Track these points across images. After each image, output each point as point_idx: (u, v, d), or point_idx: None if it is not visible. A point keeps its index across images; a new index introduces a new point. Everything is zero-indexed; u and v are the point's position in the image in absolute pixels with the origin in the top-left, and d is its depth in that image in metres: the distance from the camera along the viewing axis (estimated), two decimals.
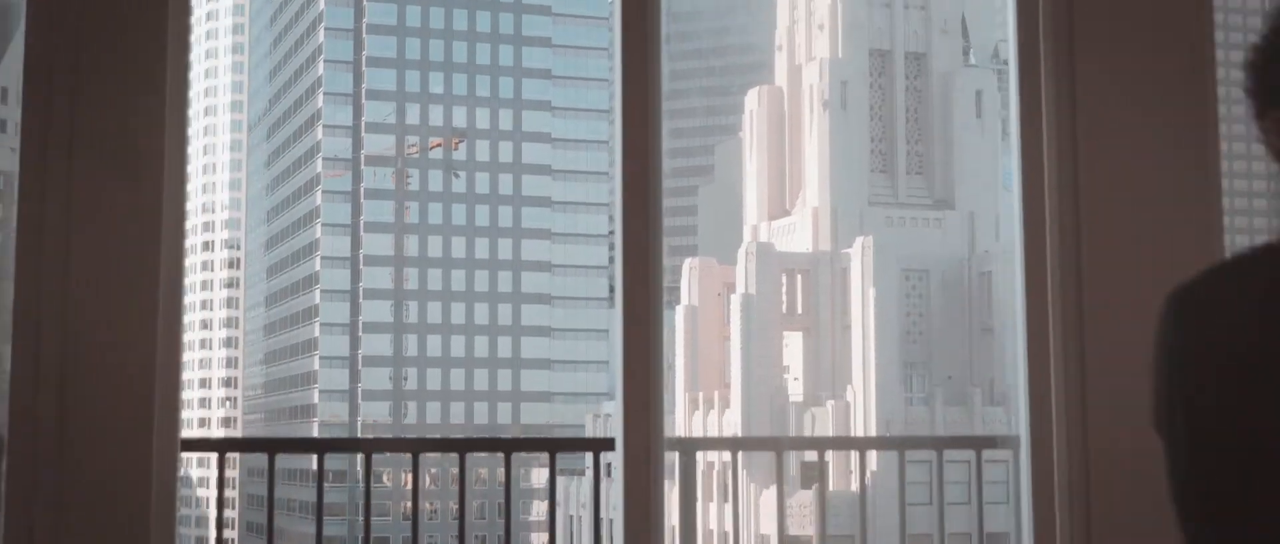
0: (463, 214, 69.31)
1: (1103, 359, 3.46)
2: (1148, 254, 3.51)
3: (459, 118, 70.11)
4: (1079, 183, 3.51)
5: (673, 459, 4.86)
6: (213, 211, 77.57)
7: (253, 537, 63.49)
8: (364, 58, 69.88)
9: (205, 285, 76.61)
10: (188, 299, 65.74)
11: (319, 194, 68.89)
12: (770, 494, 43.98)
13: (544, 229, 69.46)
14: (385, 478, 57.13)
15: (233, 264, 76.36)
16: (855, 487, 39.61)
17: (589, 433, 61.97)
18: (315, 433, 66.27)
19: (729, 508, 35.79)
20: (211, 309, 76.42)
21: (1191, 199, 3.51)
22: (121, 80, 3.31)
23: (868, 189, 53.05)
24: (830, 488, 32.43)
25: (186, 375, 77.24)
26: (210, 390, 75.44)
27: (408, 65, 70.30)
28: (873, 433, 48.45)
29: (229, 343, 75.55)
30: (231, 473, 59.35)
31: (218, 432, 74.06)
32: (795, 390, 50.85)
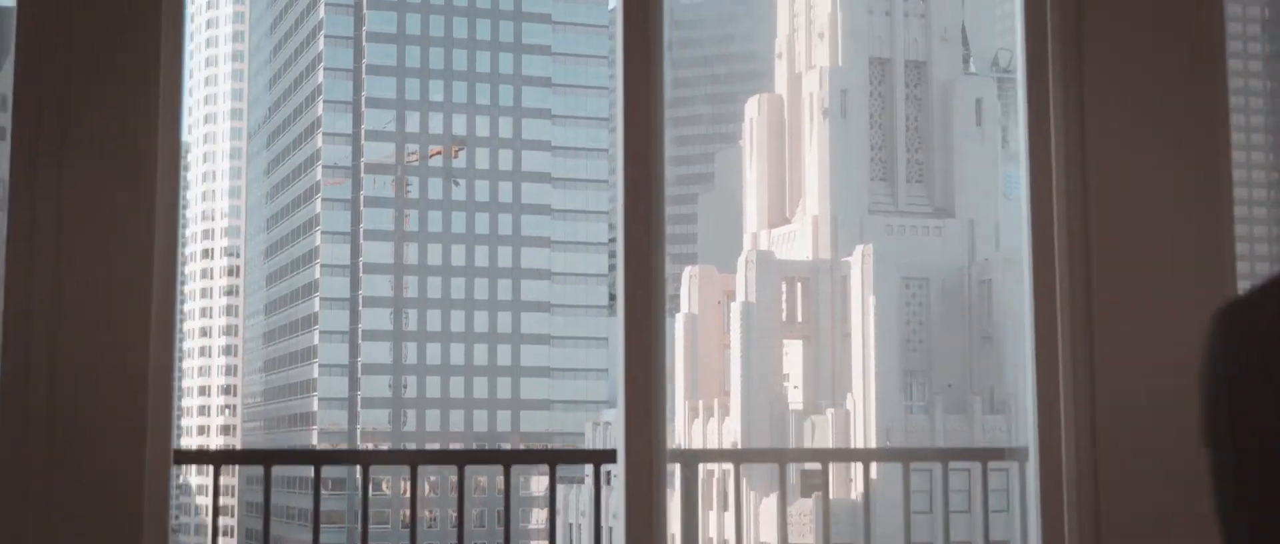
0: (462, 222, 69.30)
1: (1112, 368, 3.41)
2: (1157, 261, 3.46)
3: (459, 125, 70.13)
4: (1088, 188, 3.47)
5: (674, 469, 4.80)
6: (212, 219, 77.54)
7: None
8: (364, 65, 69.89)
9: (204, 293, 76.57)
10: (187, 306, 66.01)
11: (319, 202, 68.88)
12: (770, 502, 43.93)
13: (543, 237, 69.45)
14: (384, 486, 57.09)
15: (232, 271, 76.32)
16: (855, 495, 39.60)
17: (589, 440, 62.02)
18: (315, 440, 66.25)
19: (729, 516, 35.73)
20: (211, 317, 76.36)
21: (1202, 204, 3.47)
22: (114, 80, 3.26)
23: (868, 197, 53.06)
24: (831, 496, 32.36)
25: (186, 383, 77.17)
26: (209, 398, 75.37)
27: (407, 73, 70.32)
28: (873, 441, 48.43)
29: (228, 350, 75.50)
30: (230, 480, 59.30)
31: (217, 439, 74.00)
32: (795, 398, 50.82)
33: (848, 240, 51.78)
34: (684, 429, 50.44)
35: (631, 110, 3.57)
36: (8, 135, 3.28)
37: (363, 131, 69.58)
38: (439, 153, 69.55)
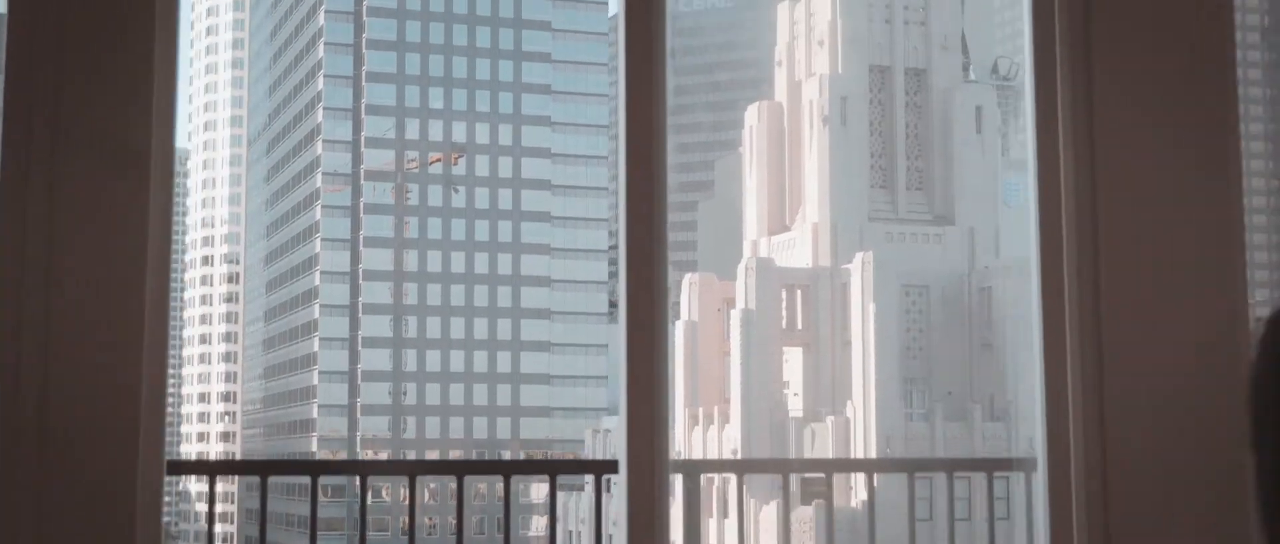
0: (462, 229, 69.29)
1: (1121, 376, 3.37)
2: (1166, 267, 3.43)
3: (459, 133, 70.13)
4: (1096, 194, 3.43)
5: (675, 477, 4.76)
6: (212, 226, 77.54)
7: None
8: (364, 73, 69.90)
9: (204, 300, 76.54)
10: (187, 313, 65.94)
11: (319, 209, 68.87)
12: (771, 510, 43.87)
13: (543, 244, 69.44)
14: (384, 493, 57.07)
15: (232, 279, 76.30)
16: (855, 503, 39.56)
17: (588, 448, 61.95)
18: (314, 447, 66.20)
19: (729, 523, 35.68)
20: (211, 324, 76.33)
21: (1210, 210, 3.43)
22: (108, 80, 3.22)
23: (868, 205, 53.03)
24: (830, 502, 32.37)
25: (186, 390, 77.15)
26: (209, 405, 75.33)
27: (408, 80, 70.34)
28: (873, 448, 48.36)
29: (228, 357, 75.47)
30: (229, 487, 59.25)
31: (217, 445, 73.94)
32: (795, 406, 50.77)
33: (848, 248, 51.75)
34: (684, 436, 50.40)
35: (633, 115, 3.53)
36: None
37: (363, 139, 69.57)
38: (439, 160, 69.55)
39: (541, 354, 68.48)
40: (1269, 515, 2.25)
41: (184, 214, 79.44)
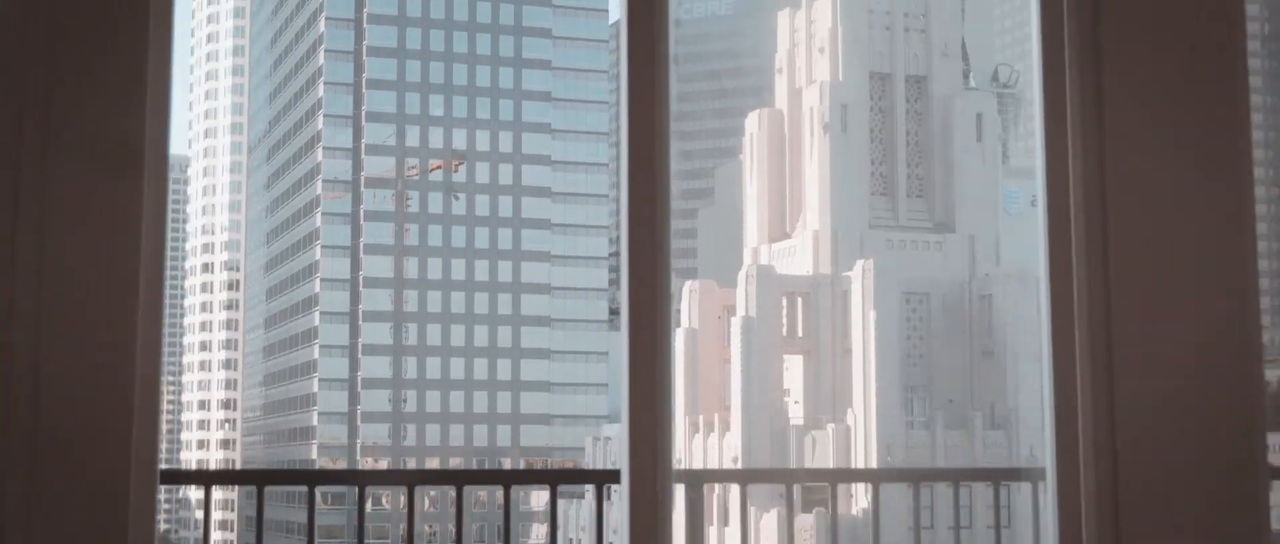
0: (462, 236, 69.31)
1: (1132, 383, 3.35)
2: (1177, 275, 3.40)
3: (459, 140, 70.18)
4: (1106, 201, 3.40)
5: (677, 487, 4.73)
6: (212, 233, 77.57)
7: None
8: (364, 80, 69.95)
9: (205, 307, 76.55)
10: (187, 320, 65.80)
11: (319, 216, 68.89)
12: (771, 518, 43.85)
13: (543, 251, 69.46)
14: (384, 500, 57.04)
15: (232, 286, 76.33)
16: (856, 511, 39.51)
17: (589, 456, 61.95)
18: (314, 455, 66.15)
19: (730, 532, 35.62)
20: (211, 331, 76.34)
21: (1222, 217, 3.40)
22: (101, 80, 3.20)
23: (868, 212, 53.03)
24: (830, 511, 32.29)
25: (186, 397, 77.14)
26: (209, 412, 75.32)
27: (408, 88, 70.39)
28: (874, 456, 48.35)
29: (228, 364, 75.47)
30: (229, 495, 59.24)
31: (217, 453, 73.92)
32: (796, 413, 50.74)
33: (848, 255, 51.73)
34: (685, 444, 50.36)
35: (636, 118, 3.50)
36: None
37: (363, 146, 69.61)
38: (439, 167, 69.58)
39: (542, 361, 68.47)
40: None
41: (184, 221, 79.45)
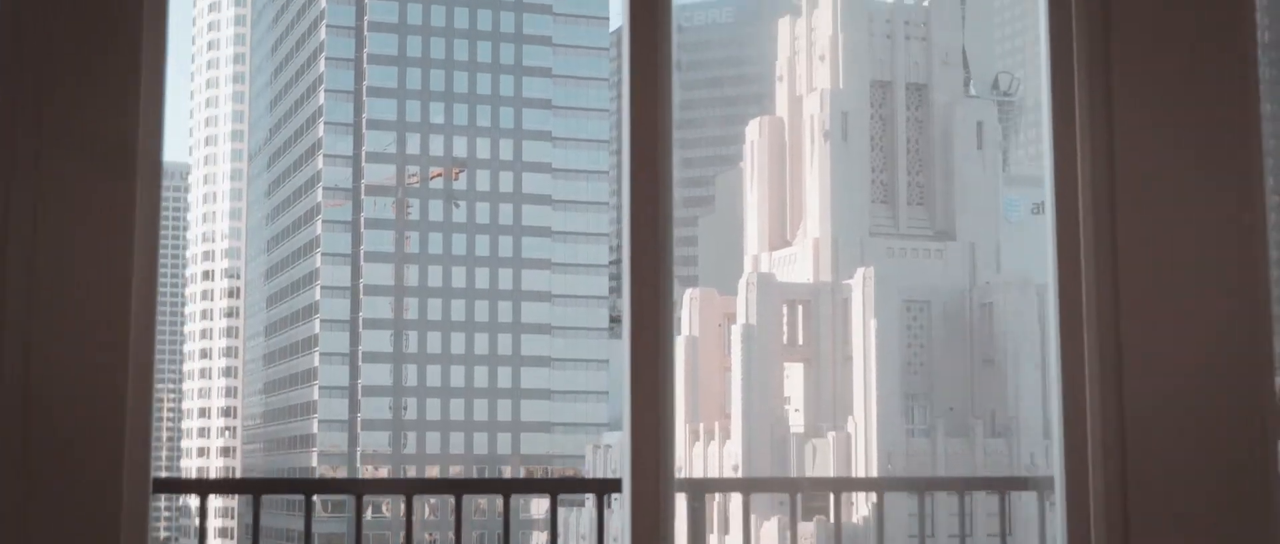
0: (463, 244, 69.28)
1: (1142, 391, 3.32)
2: (1187, 282, 3.37)
3: (459, 147, 70.16)
4: (1115, 201, 3.38)
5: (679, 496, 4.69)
6: (212, 241, 77.55)
7: None
8: (365, 87, 69.95)
9: (205, 314, 76.51)
10: (187, 328, 65.67)
11: (319, 223, 68.87)
12: (772, 526, 43.85)
13: (544, 259, 69.43)
14: (384, 508, 56.98)
15: (232, 293, 76.29)
16: (856, 519, 39.45)
17: (589, 464, 61.87)
18: (314, 463, 66.10)
19: (731, 540, 35.59)
20: (211, 338, 76.30)
21: (1233, 224, 3.38)
22: (94, 77, 3.17)
23: (869, 220, 53.01)
24: (830, 519, 32.29)
25: (186, 404, 77.09)
26: (209, 420, 75.26)
27: (408, 95, 70.38)
28: (874, 464, 48.28)
29: (228, 372, 75.42)
30: (229, 503, 59.19)
31: (217, 461, 73.85)
32: (796, 422, 50.69)
33: (849, 263, 51.71)
34: (685, 452, 50.30)
35: (638, 121, 3.48)
36: None
37: (363, 153, 69.58)
38: (439, 175, 69.56)
39: (542, 369, 68.42)
40: None
41: (185, 228, 79.45)
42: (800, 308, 51.69)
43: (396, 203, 69.47)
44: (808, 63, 55.00)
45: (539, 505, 51.75)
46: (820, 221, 52.93)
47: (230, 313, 76.14)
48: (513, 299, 68.93)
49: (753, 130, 56.00)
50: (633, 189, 3.50)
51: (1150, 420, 3.39)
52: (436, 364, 67.63)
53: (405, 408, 66.96)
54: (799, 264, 52.95)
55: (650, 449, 3.40)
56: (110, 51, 3.25)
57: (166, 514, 70.55)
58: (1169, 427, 3.40)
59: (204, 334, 76.44)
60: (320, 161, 69.20)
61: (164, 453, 77.24)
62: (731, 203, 58.66)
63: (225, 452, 74.14)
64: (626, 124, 3.53)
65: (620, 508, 3.56)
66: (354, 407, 66.89)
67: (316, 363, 67.53)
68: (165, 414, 78.55)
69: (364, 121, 69.94)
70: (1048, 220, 3.48)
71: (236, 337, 75.63)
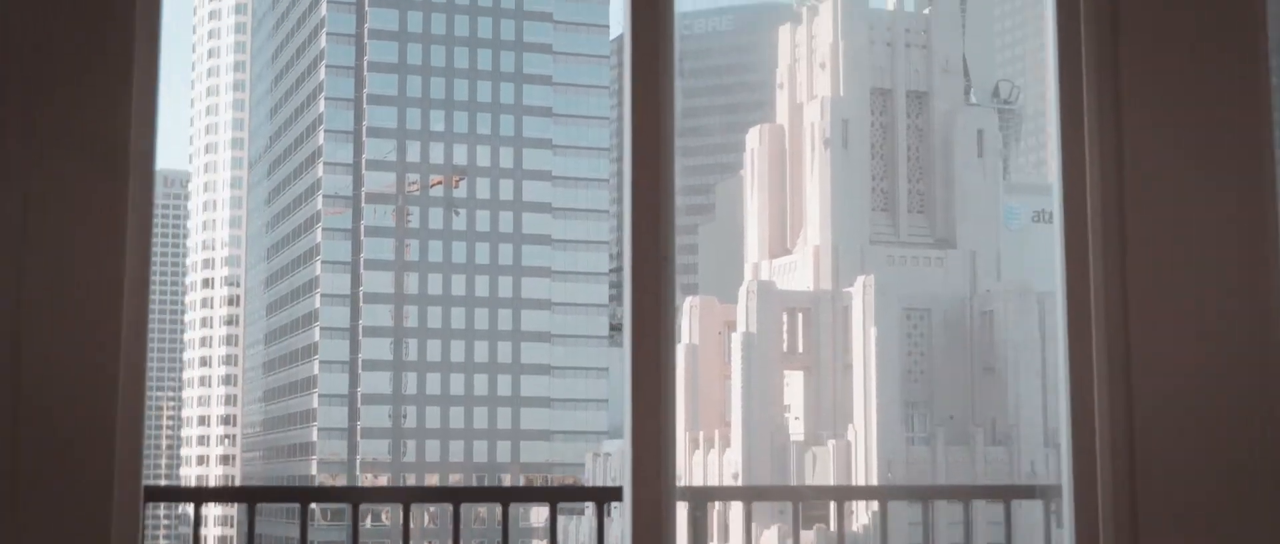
0: (463, 252, 69.27)
1: (1151, 397, 3.28)
2: (1198, 283, 3.34)
3: (460, 155, 70.18)
4: (1124, 206, 3.35)
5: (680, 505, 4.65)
6: (212, 249, 77.57)
7: None
8: (365, 95, 69.97)
9: (205, 322, 76.51)
10: (187, 336, 65.54)
11: (319, 231, 68.85)
12: (772, 534, 43.79)
13: (544, 267, 69.42)
14: (384, 517, 56.88)
15: (232, 301, 76.29)
16: (856, 527, 39.39)
17: (589, 472, 61.82)
18: (314, 471, 66.05)
19: None
20: (211, 346, 76.29)
21: (1243, 232, 3.35)
22: (87, 76, 3.14)
23: (869, 228, 53.02)
24: (831, 528, 32.25)
25: (185, 412, 77.08)
26: (209, 428, 75.24)
27: (409, 103, 70.40)
28: (875, 473, 48.27)
29: (228, 380, 75.40)
30: (229, 511, 59.07)
31: (217, 469, 73.81)
32: (796, 429, 50.67)
33: (849, 271, 51.71)
34: (685, 460, 50.26)
35: (640, 123, 3.45)
36: None
37: (363, 161, 69.60)
38: (439, 182, 69.57)
39: (542, 377, 68.40)
40: None
41: (184, 236, 79.45)
42: (800, 316, 51.66)
43: (396, 210, 69.47)
44: (808, 70, 55.02)
45: (538, 514, 51.67)
46: (820, 229, 52.91)
47: (230, 320, 76.14)
48: (512, 307, 68.91)
49: (753, 138, 56.00)
50: (634, 193, 3.46)
51: (1159, 423, 3.34)
52: (436, 372, 67.61)
53: (405, 416, 66.93)
54: (799, 272, 52.93)
55: (651, 456, 3.36)
56: (102, 49, 3.21)
57: (166, 523, 70.50)
58: (1178, 429, 3.36)
59: (204, 342, 76.42)
60: (320, 169, 69.19)
61: (163, 461, 77.19)
62: (732, 211, 58.66)
63: (225, 460, 74.10)
64: (628, 128, 3.49)
65: (621, 516, 3.52)
66: (353, 414, 66.86)
67: (316, 371, 67.49)
68: (165, 422, 78.50)
69: (364, 129, 69.94)
70: (1056, 222, 3.44)
71: (236, 344, 75.62)
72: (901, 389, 50.42)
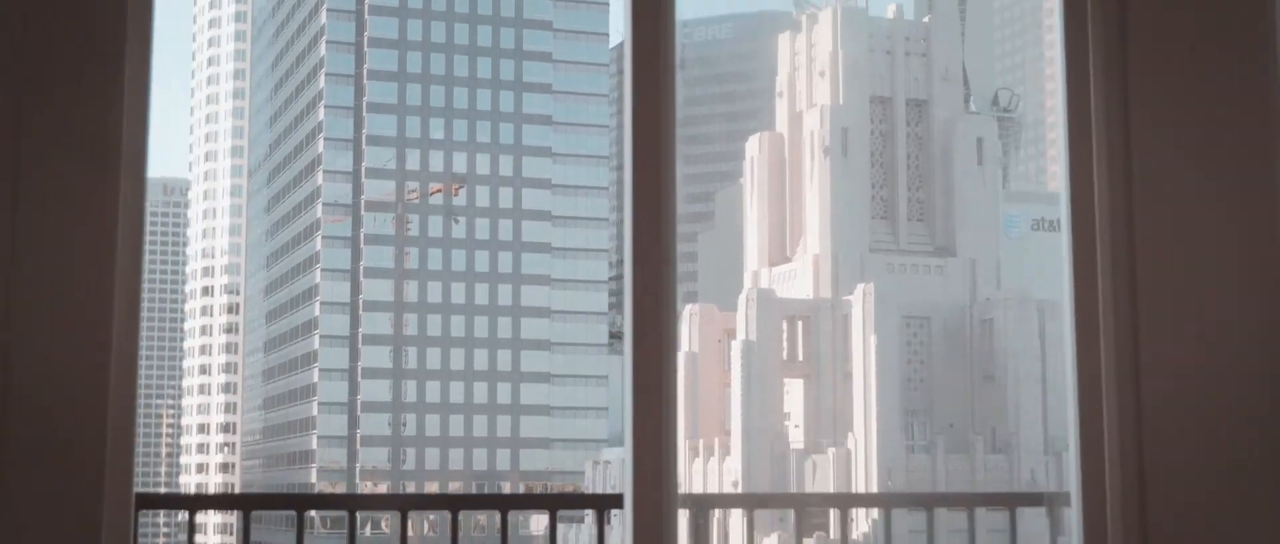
0: (462, 260, 69.24)
1: (1160, 403, 3.27)
2: (1208, 288, 3.32)
3: (459, 163, 70.16)
4: (1133, 212, 3.33)
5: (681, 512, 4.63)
6: (212, 256, 77.51)
7: None
8: (365, 104, 69.97)
9: (204, 330, 76.44)
10: (187, 344, 65.48)
11: (319, 239, 68.83)
12: (772, 541, 43.76)
13: (543, 275, 69.40)
14: (384, 524, 56.85)
15: (232, 309, 76.23)
16: (856, 535, 39.31)
17: (589, 480, 61.79)
18: (314, 478, 66.01)
19: None
20: (210, 354, 76.22)
21: (1254, 216, 3.33)
22: (81, 76, 3.12)
23: (869, 236, 53.03)
24: (831, 535, 32.24)
25: (185, 420, 77.01)
26: (208, 435, 75.16)
27: (408, 111, 70.39)
28: (874, 481, 48.23)
29: (228, 388, 75.33)
30: (228, 519, 59.01)
31: (216, 477, 73.74)
32: (796, 438, 50.65)
33: (849, 279, 51.71)
34: (685, 468, 50.23)
35: (641, 126, 3.43)
36: None
37: (363, 169, 69.59)
38: (439, 191, 69.55)
39: (541, 385, 68.35)
40: None
41: (184, 244, 79.43)
42: (800, 324, 51.65)
43: (396, 219, 69.45)
44: (808, 78, 55.04)
45: (538, 521, 51.62)
46: (820, 237, 52.92)
47: (229, 328, 76.08)
48: (512, 315, 68.88)
49: (753, 146, 56.01)
50: (635, 194, 3.44)
51: (1168, 428, 3.33)
52: (436, 380, 67.56)
53: (404, 424, 66.89)
54: (799, 280, 52.92)
55: (652, 463, 3.34)
56: (94, 48, 3.20)
57: (166, 531, 70.42)
58: (1187, 434, 3.34)
59: (203, 350, 76.36)
60: (320, 177, 69.18)
61: (163, 469, 77.14)
62: (731, 219, 58.66)
63: (224, 468, 74.02)
64: (629, 127, 3.47)
65: (622, 523, 3.50)
66: (353, 422, 66.81)
67: (316, 379, 67.45)
68: (164, 430, 78.44)
69: (364, 137, 69.94)
70: (1064, 227, 3.43)
71: (236, 352, 75.55)
72: (901, 397, 50.40)
